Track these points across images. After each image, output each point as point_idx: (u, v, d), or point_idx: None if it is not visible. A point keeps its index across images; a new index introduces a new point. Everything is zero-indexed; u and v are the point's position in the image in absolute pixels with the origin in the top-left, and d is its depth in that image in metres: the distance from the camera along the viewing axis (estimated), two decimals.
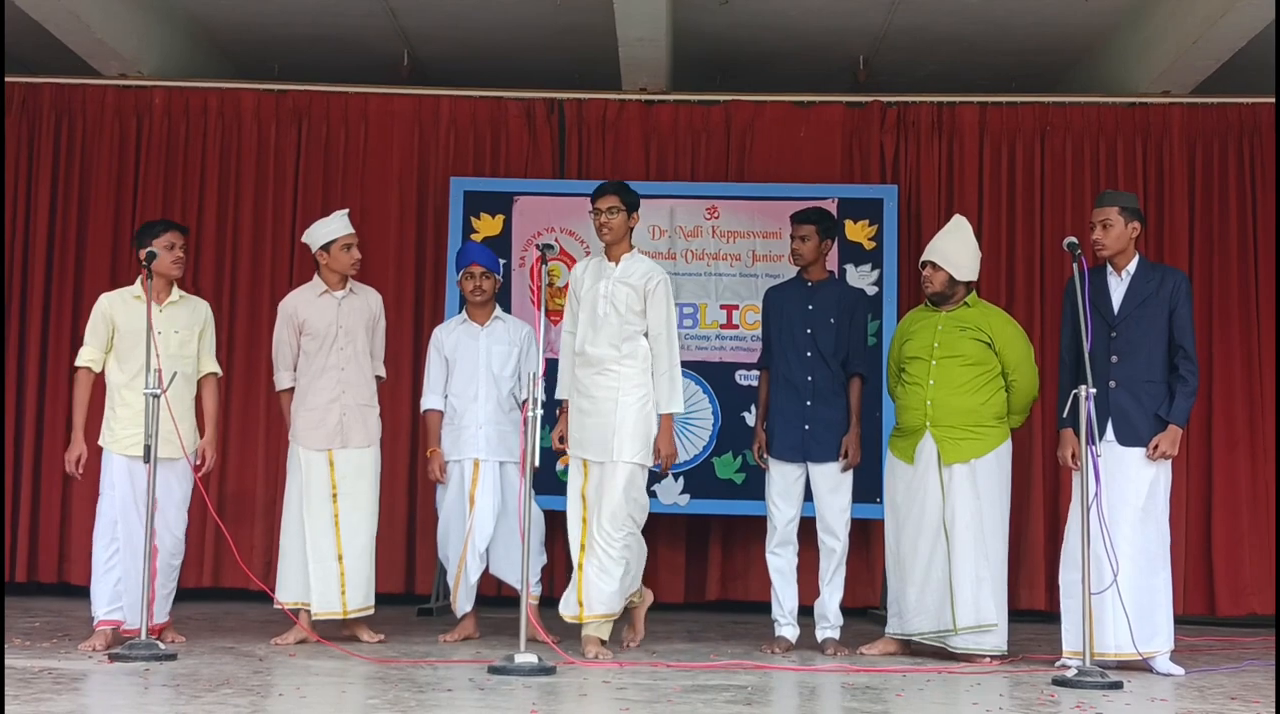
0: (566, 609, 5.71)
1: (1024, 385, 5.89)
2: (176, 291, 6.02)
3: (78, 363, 5.94)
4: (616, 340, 5.75)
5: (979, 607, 5.69)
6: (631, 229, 5.89)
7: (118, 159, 8.11)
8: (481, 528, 6.14)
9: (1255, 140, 8.00)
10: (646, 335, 5.78)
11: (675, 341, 5.85)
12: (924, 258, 5.97)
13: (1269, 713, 4.49)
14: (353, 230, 6.22)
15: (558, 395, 5.93)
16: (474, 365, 6.25)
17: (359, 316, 6.18)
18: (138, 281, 5.96)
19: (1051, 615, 7.14)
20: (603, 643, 5.68)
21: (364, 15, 7.94)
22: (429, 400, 6.35)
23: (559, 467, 7.13)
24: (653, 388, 5.76)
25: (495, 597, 7.06)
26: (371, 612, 6.11)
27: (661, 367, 5.78)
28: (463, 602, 6.21)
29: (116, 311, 5.91)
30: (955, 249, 5.93)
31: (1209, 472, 7.78)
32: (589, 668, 5.28)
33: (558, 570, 7.24)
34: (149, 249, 5.84)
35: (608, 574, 5.64)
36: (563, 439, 5.89)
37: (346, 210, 6.37)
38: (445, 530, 6.31)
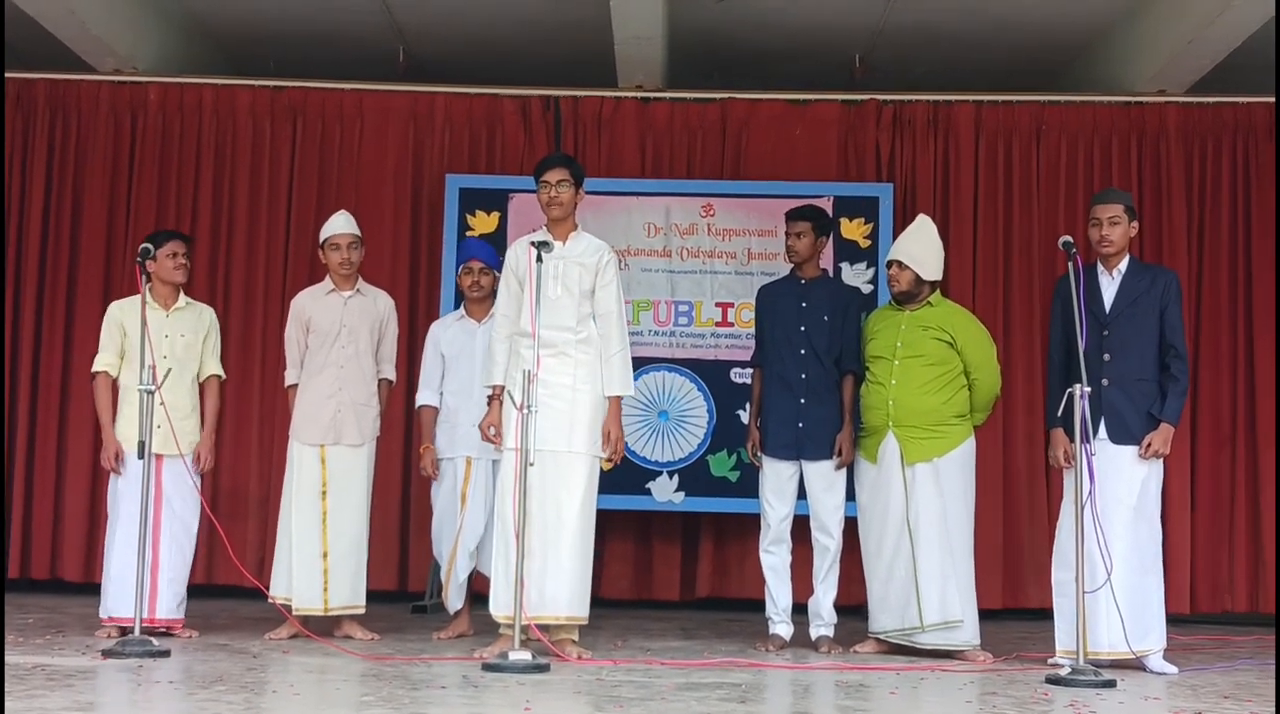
0: (501, 610, 5.40)
1: (985, 384, 5.92)
2: (183, 298, 6.21)
3: (96, 369, 6.13)
4: (571, 322, 5.54)
5: (945, 603, 5.72)
6: (577, 205, 5.69)
7: (112, 155, 8.11)
8: (472, 527, 6.10)
9: (1250, 140, 8.02)
10: (593, 316, 5.58)
11: (625, 321, 5.64)
12: (890, 257, 6.00)
13: (1263, 711, 4.50)
14: (346, 231, 6.20)
15: (491, 381, 5.62)
16: (470, 362, 6.19)
17: (364, 317, 6.21)
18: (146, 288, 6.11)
19: (1048, 613, 7.18)
20: (574, 643, 5.50)
21: (359, 11, 7.94)
22: (424, 396, 6.33)
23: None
24: (601, 371, 5.54)
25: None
26: (360, 611, 6.11)
27: (613, 348, 5.56)
28: (454, 599, 6.21)
29: (126, 318, 6.10)
30: (921, 248, 5.96)
31: (1199, 469, 7.80)
32: (582, 665, 5.28)
33: None
34: (145, 246, 5.92)
35: (571, 572, 5.41)
36: (494, 429, 5.58)
37: (343, 212, 6.37)
38: (439, 528, 6.28)
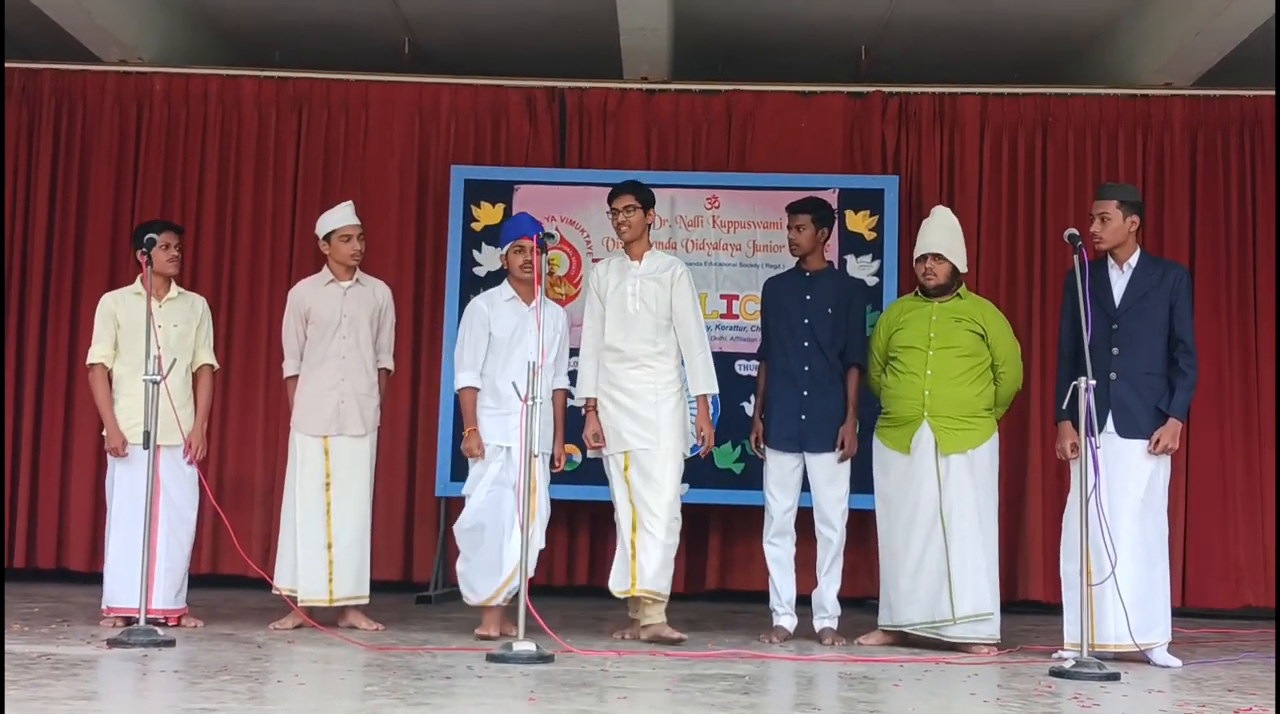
0: (618, 584, 5.95)
1: (1011, 378, 5.91)
2: (175, 288, 6.24)
3: (92, 360, 6.13)
4: (650, 336, 5.96)
5: (977, 596, 5.69)
6: (649, 226, 6.08)
7: (118, 146, 8.11)
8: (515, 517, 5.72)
9: (1256, 133, 8.00)
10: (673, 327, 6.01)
11: (703, 325, 6.05)
12: (924, 251, 5.91)
13: (1266, 705, 4.50)
14: (355, 222, 6.23)
15: (583, 394, 6.05)
16: (524, 347, 5.82)
17: (364, 307, 6.21)
18: (137, 280, 6.17)
19: (1049, 606, 7.18)
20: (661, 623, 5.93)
21: (365, 2, 7.93)
22: (465, 378, 5.93)
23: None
24: (684, 375, 6.00)
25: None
26: (365, 601, 6.12)
27: (694, 351, 5.98)
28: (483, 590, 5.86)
29: (119, 308, 6.13)
30: (950, 239, 5.93)
31: (1204, 464, 7.78)
32: (586, 656, 5.29)
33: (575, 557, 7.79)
34: (149, 236, 5.95)
35: (659, 554, 5.87)
36: (596, 436, 6.00)
37: (350, 202, 6.38)
38: (476, 517, 5.87)
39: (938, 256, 5.87)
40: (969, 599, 5.68)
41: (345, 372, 6.14)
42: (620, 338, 5.96)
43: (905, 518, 5.83)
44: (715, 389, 6.05)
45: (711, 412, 7.06)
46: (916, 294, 6.02)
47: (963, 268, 5.91)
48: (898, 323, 5.98)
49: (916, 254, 5.97)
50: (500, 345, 5.91)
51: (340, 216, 6.23)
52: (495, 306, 6.00)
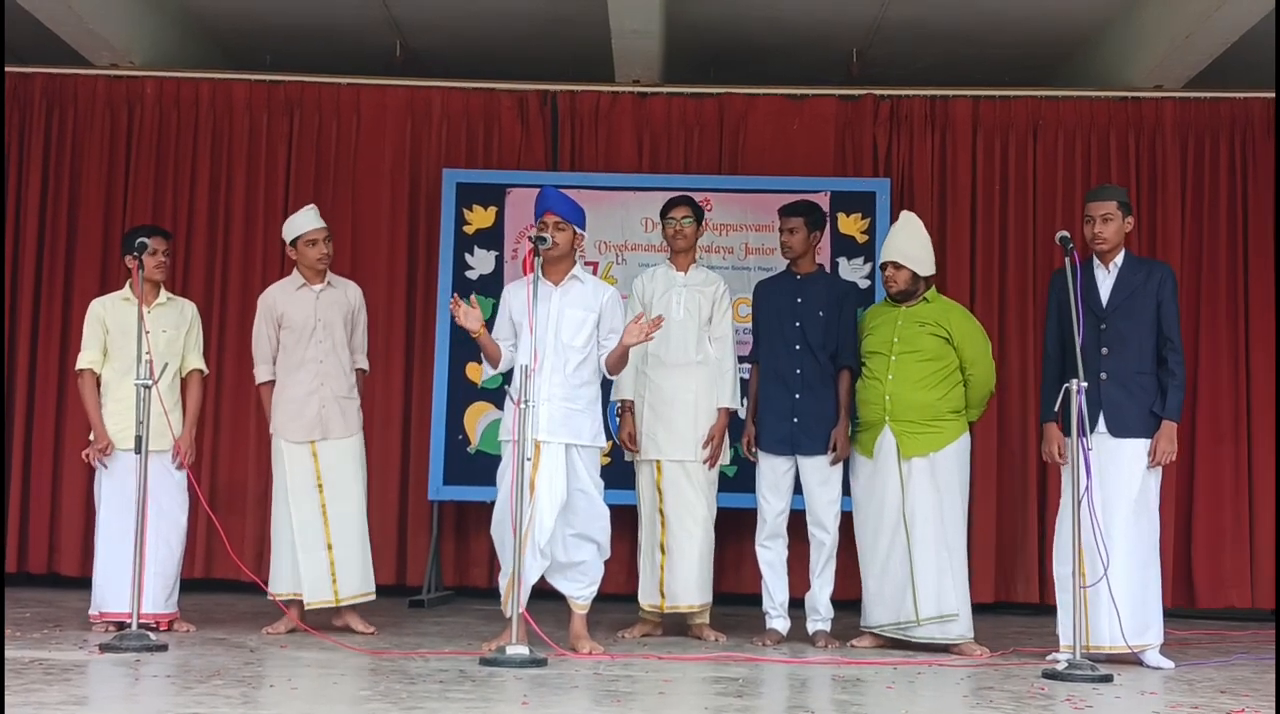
0: (647, 599, 6.14)
1: (980, 380, 5.92)
2: (164, 294, 6.23)
3: (80, 366, 6.13)
4: (693, 342, 6.16)
5: (940, 597, 5.72)
6: (697, 239, 6.35)
7: (109, 149, 8.09)
8: (541, 521, 5.45)
9: (1247, 135, 8.02)
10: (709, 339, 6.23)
11: (735, 343, 6.29)
12: (884, 259, 6.00)
13: (1258, 706, 4.50)
14: (320, 225, 6.20)
15: (621, 396, 6.23)
16: (542, 329, 5.56)
17: (337, 309, 6.19)
18: (126, 286, 6.17)
19: (1041, 608, 7.20)
20: (708, 626, 6.15)
21: (356, 6, 7.92)
22: (486, 370, 5.83)
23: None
24: (714, 387, 6.18)
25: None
26: (372, 598, 6.13)
27: (726, 366, 6.19)
28: (511, 604, 5.37)
29: (108, 313, 6.14)
30: (912, 246, 5.97)
31: (1197, 464, 7.79)
32: (579, 660, 5.29)
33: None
34: (141, 239, 5.95)
35: (698, 565, 6.08)
36: (632, 438, 6.18)
37: (313, 206, 6.35)
38: (502, 519, 5.56)
39: (896, 264, 5.91)
40: (932, 601, 5.72)
41: (324, 376, 6.13)
42: (662, 345, 6.10)
43: (872, 521, 5.90)
44: (738, 405, 6.23)
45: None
46: (888, 300, 6.06)
47: (923, 273, 5.94)
48: (867, 328, 6.07)
49: (879, 261, 6.08)
50: (520, 330, 5.64)
51: (305, 221, 6.20)
52: (519, 290, 5.71)
